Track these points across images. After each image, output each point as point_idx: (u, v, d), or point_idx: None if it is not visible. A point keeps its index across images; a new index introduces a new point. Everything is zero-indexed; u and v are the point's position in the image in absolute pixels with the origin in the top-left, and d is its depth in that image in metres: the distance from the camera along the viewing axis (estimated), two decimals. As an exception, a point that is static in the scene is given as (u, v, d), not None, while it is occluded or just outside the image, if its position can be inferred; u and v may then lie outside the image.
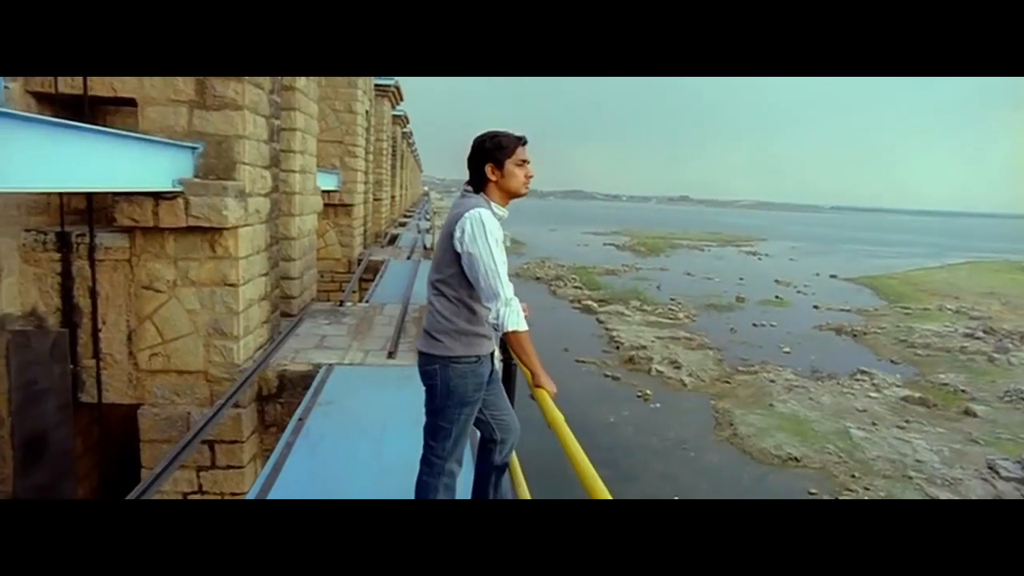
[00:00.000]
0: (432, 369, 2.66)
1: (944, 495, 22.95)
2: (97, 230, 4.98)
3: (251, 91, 5.04)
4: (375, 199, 19.32)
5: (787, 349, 41.77)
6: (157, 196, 4.73)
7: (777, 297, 60.56)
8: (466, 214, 2.58)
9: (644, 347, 40.23)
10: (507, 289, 2.55)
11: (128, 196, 4.68)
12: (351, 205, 12.37)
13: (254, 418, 5.19)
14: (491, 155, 2.69)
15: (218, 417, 4.42)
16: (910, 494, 23.25)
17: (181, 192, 4.75)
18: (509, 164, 2.72)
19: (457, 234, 2.56)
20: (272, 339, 5.87)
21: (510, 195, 2.77)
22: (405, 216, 34.93)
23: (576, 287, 63.28)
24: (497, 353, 3.08)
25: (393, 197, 26.56)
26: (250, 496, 3.61)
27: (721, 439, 27.56)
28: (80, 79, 4.84)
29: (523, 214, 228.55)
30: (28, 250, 4.95)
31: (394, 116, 25.47)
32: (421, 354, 2.71)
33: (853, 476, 24.56)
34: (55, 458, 5.12)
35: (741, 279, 71.07)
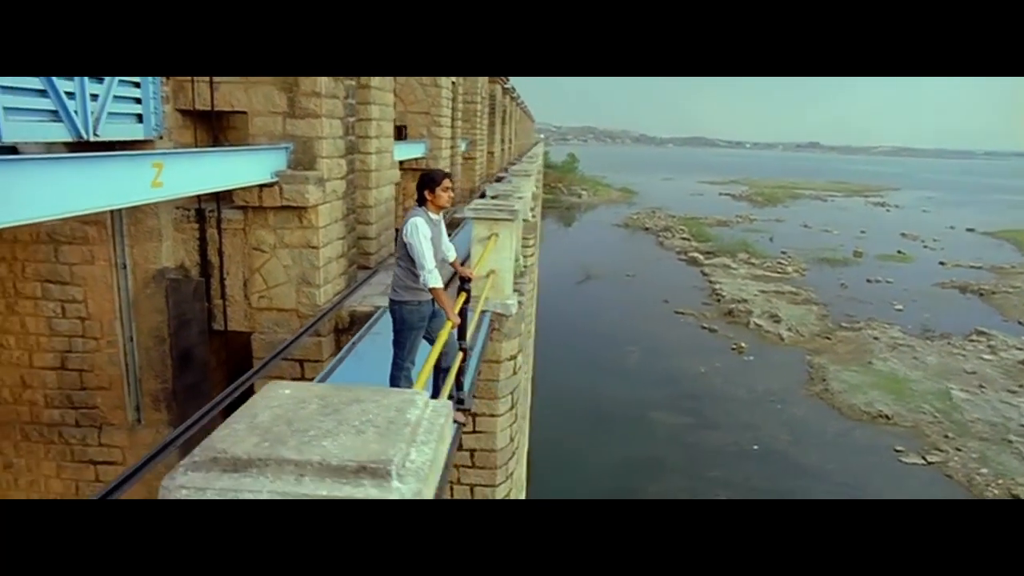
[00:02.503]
0: (395, 308, 4.24)
1: (1043, 460, 22.26)
2: (222, 207, 6.83)
3: (328, 102, 6.62)
4: (468, 158, 20.89)
5: (899, 306, 40.09)
6: (262, 184, 6.50)
7: (900, 252, 57.15)
8: (409, 220, 4.10)
9: (745, 300, 40.01)
10: (429, 263, 4.04)
11: (242, 186, 6.53)
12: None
13: (332, 344, 6.97)
14: (428, 184, 4.20)
15: (301, 341, 6.22)
16: (1005, 458, 22.70)
17: (277, 181, 6.49)
18: (438, 190, 4.20)
19: (404, 231, 4.09)
20: (348, 286, 7.63)
21: (440, 207, 4.26)
22: (503, 170, 36.21)
23: (684, 238, 62.55)
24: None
25: (491, 153, 28.01)
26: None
27: (811, 393, 27.65)
28: (209, 98, 6.62)
29: (637, 163, 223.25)
30: (177, 222, 6.90)
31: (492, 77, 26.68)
32: (389, 300, 4.29)
33: (946, 437, 24.15)
34: (198, 367, 7.17)
35: (863, 232, 67.26)
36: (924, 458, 22.92)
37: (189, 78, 6.20)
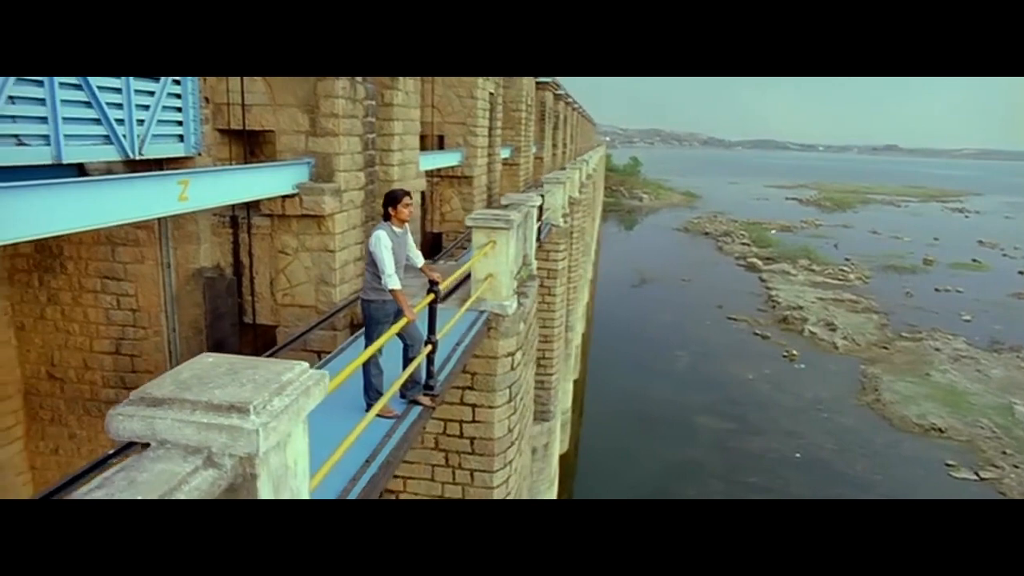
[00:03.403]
0: (364, 306, 4.95)
1: (1107, 480, 21.26)
2: (252, 215, 7.73)
3: (345, 122, 7.40)
4: (511, 164, 21.57)
5: (968, 317, 38.56)
6: (284, 195, 7.35)
7: (974, 260, 54.65)
8: (374, 233, 4.80)
9: (801, 307, 39.31)
10: (389, 269, 4.72)
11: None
12: (471, 176, 14.80)
13: (346, 338, 7.77)
14: (390, 202, 4.91)
15: (319, 335, 7.06)
16: (1066, 477, 21.82)
17: (298, 192, 7.32)
18: (399, 206, 4.88)
19: (369, 243, 4.80)
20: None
21: (402, 221, 4.94)
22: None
23: (744, 244, 61.64)
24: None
25: (540, 158, 28.64)
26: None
27: (861, 403, 27.09)
28: (242, 119, 7.51)
29: (703, 166, 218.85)
30: (214, 227, 7.85)
31: (540, 83, 27.26)
32: (360, 299, 4.99)
33: (1004, 453, 23.28)
34: (230, 355, 8.11)
35: (936, 239, 64.53)
36: (977, 473, 22.22)
37: (225, 101, 7.11)
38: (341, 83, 7.06)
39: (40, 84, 4.95)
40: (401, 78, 9.06)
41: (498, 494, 7.75)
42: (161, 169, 6.54)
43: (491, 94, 16.00)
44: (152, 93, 6.08)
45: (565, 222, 15.75)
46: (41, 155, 5.07)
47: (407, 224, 5.09)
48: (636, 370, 31.37)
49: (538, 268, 15.04)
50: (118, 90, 5.69)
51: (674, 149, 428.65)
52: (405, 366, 4.85)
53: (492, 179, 16.85)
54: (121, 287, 7.27)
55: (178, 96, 6.51)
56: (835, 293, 43.70)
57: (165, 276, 7.12)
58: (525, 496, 9.01)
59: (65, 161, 5.26)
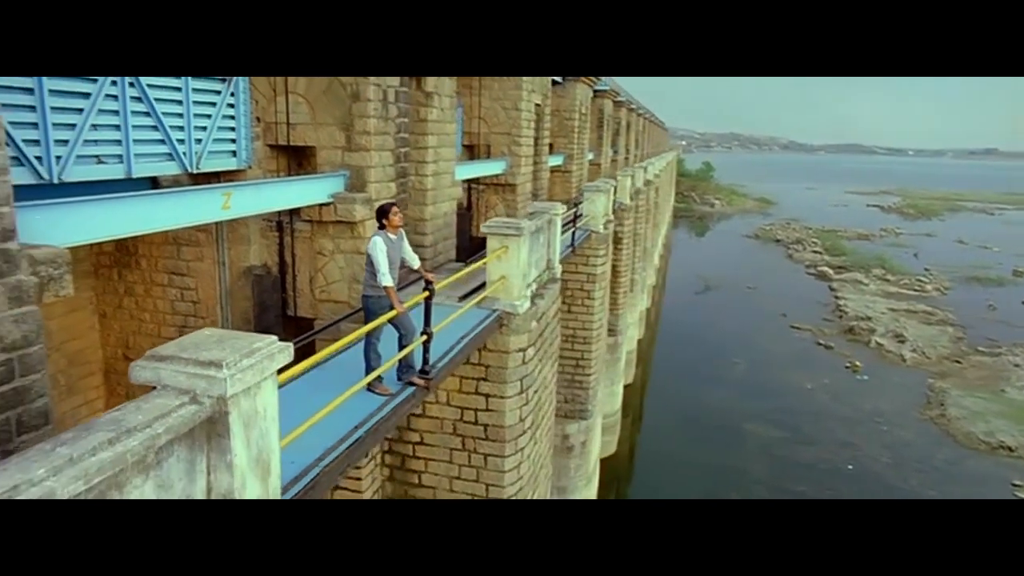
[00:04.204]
0: (364, 301, 5.74)
1: None
2: (295, 220, 8.75)
3: (376, 139, 8.31)
4: (564, 171, 22.27)
5: (1056, 332, 36.77)
6: (321, 204, 8.33)
7: (1072, 272, 51.74)
8: (372, 239, 5.59)
9: (869, 318, 38.22)
10: (383, 268, 5.50)
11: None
12: (515, 184, 15.58)
13: (375, 331, 8.73)
14: (382, 215, 5.69)
15: (344, 325, 7.97)
16: None
17: (332, 201, 8.28)
18: (390, 215, 5.66)
19: (367, 247, 5.61)
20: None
21: (396, 228, 5.72)
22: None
23: (816, 251, 60.08)
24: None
25: (598, 165, 29.20)
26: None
27: (925, 418, 26.29)
28: (287, 137, 8.55)
29: (782, 171, 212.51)
30: (262, 231, 8.94)
31: (598, 91, 27.76)
32: (362, 295, 5.81)
33: (1079, 474, 22.30)
34: (275, 343, 9.21)
35: (1030, 249, 61.33)
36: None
37: (274, 120, 8.15)
38: (373, 104, 7.98)
39: (116, 113, 6.02)
40: (436, 96, 9.93)
41: (509, 478, 8.45)
42: (219, 181, 7.61)
43: (537, 105, 16.72)
44: (209, 116, 7.13)
45: (606, 228, 16.29)
46: (116, 171, 6.14)
47: (401, 230, 5.90)
48: (695, 376, 31.38)
49: (577, 272, 15.69)
50: (180, 115, 6.75)
51: (752, 154, 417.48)
52: (400, 349, 5.67)
53: (538, 186, 17.56)
54: (184, 282, 8.41)
55: (232, 117, 7.55)
56: (909, 304, 42.13)
57: (221, 273, 8.20)
58: (540, 483, 9.68)
59: (135, 176, 6.31)
